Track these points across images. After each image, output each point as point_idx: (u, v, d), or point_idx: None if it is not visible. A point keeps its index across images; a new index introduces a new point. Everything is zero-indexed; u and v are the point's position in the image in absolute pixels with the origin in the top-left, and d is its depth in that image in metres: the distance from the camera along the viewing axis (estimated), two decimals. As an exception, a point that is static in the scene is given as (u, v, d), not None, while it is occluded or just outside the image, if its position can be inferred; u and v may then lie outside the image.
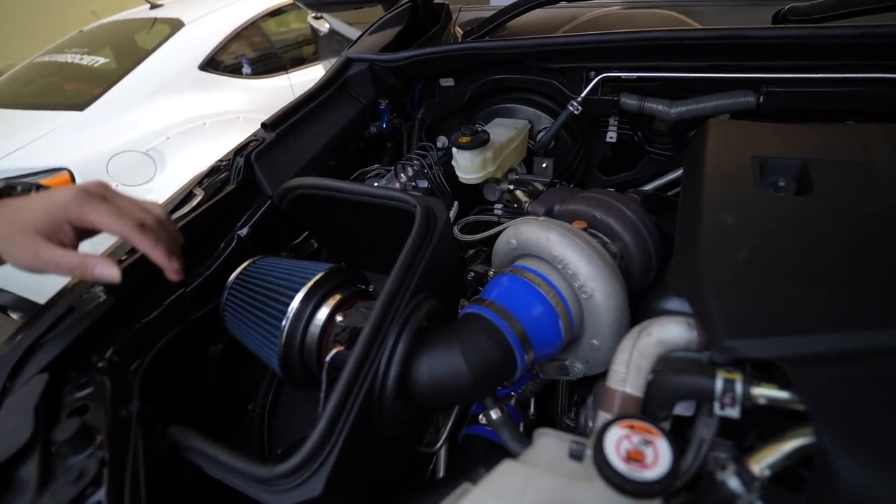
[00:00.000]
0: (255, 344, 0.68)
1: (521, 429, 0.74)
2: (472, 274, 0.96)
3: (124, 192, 0.60)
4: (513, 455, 0.60)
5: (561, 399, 0.85)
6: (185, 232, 0.77)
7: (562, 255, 0.62)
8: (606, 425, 0.37)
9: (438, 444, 0.77)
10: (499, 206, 1.04)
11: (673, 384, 0.43)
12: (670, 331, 0.47)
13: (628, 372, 0.45)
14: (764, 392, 0.40)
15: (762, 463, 0.39)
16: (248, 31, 3.25)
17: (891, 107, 0.76)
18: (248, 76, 3.16)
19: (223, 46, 2.99)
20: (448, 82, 1.14)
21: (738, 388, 0.40)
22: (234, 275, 0.73)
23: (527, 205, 0.82)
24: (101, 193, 0.56)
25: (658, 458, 0.35)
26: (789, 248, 0.48)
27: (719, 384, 0.41)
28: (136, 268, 0.70)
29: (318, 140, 0.98)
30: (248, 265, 0.74)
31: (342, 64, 1.06)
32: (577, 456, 0.38)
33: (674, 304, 0.72)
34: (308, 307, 0.63)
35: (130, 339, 0.64)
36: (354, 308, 0.63)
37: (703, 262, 0.48)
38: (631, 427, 0.37)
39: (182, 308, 0.73)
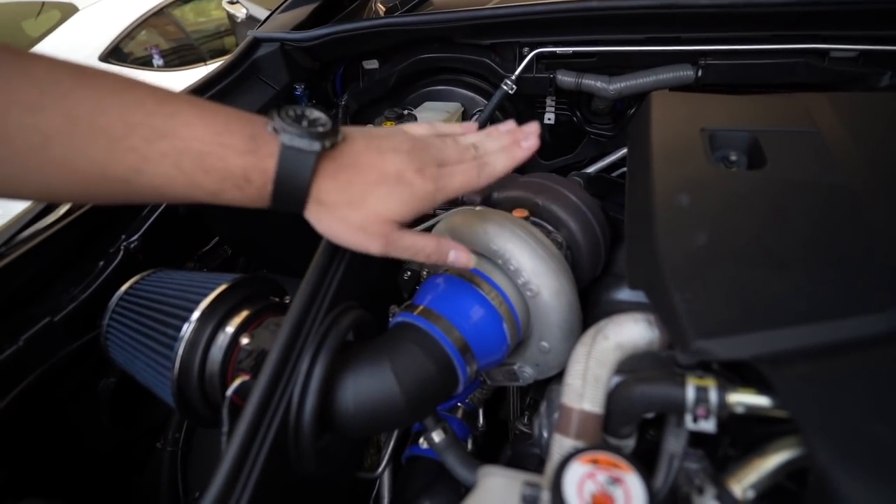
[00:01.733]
0: (145, 377, 0.56)
1: (471, 444, 0.66)
2: (409, 273, 0.87)
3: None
4: (459, 480, 0.52)
5: (512, 403, 0.78)
6: (53, 245, 0.64)
7: (502, 249, 0.54)
8: (564, 462, 0.30)
9: (380, 469, 0.68)
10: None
11: (637, 397, 0.37)
12: (629, 331, 0.41)
13: (585, 385, 0.38)
14: (741, 399, 0.34)
15: (744, 482, 0.33)
16: (158, 19, 2.96)
17: (823, 78, 0.75)
18: (160, 68, 2.88)
19: (128, 35, 2.70)
20: (372, 64, 1.04)
21: (713, 396, 0.34)
22: (117, 294, 0.60)
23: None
24: (438, 172, 0.43)
25: (630, 502, 0.28)
26: (752, 229, 0.43)
27: (691, 394, 0.35)
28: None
29: (223, 131, 0.85)
30: (136, 281, 0.61)
31: (248, 45, 0.93)
32: (530, 502, 0.31)
33: (626, 293, 0.67)
34: (206, 329, 0.52)
35: (-30, 388, 0.50)
36: (263, 326, 0.53)
37: (661, 249, 0.42)
38: (594, 462, 0.30)
39: (51, 340, 0.59)
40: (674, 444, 0.39)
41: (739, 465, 0.34)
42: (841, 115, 0.53)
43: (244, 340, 0.51)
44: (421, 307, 0.54)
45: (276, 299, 0.59)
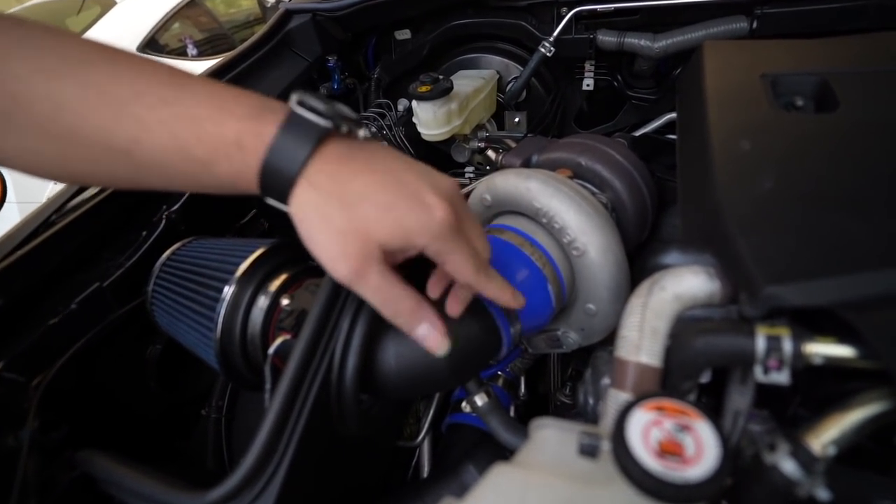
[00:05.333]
0: (189, 340, 0.57)
1: (512, 413, 0.65)
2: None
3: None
4: (504, 445, 0.51)
5: (553, 374, 0.76)
6: (99, 214, 0.65)
7: (546, 207, 0.52)
8: (627, 408, 0.28)
9: (420, 437, 0.68)
10: (469, 168, 0.93)
11: (701, 348, 0.34)
12: (687, 283, 0.38)
13: (642, 337, 0.36)
14: (820, 349, 0.31)
15: (824, 438, 0.30)
16: (191, 10, 3.02)
17: (899, 21, 0.68)
18: (194, 58, 2.94)
19: (163, 26, 2.76)
20: (404, 35, 1.02)
21: (787, 346, 0.31)
22: (160, 260, 0.61)
23: (500, 158, 0.71)
24: (459, 224, 0.37)
25: (702, 450, 0.26)
26: (825, 171, 0.39)
27: (761, 343, 0.32)
28: (35, 259, 0.57)
29: (258, 103, 0.85)
30: (178, 248, 0.62)
31: (280, 17, 0.93)
32: (589, 452, 0.29)
33: (675, 258, 0.63)
34: (247, 291, 0.52)
35: (29, 348, 0.52)
36: (303, 288, 0.52)
37: (722, 196, 0.39)
38: (660, 409, 0.28)
39: (101, 305, 0.61)
40: (738, 400, 0.36)
41: (817, 420, 0.31)
42: (924, 53, 0.48)
43: (284, 301, 0.51)
44: (461, 268, 0.53)
45: (315, 264, 0.59)
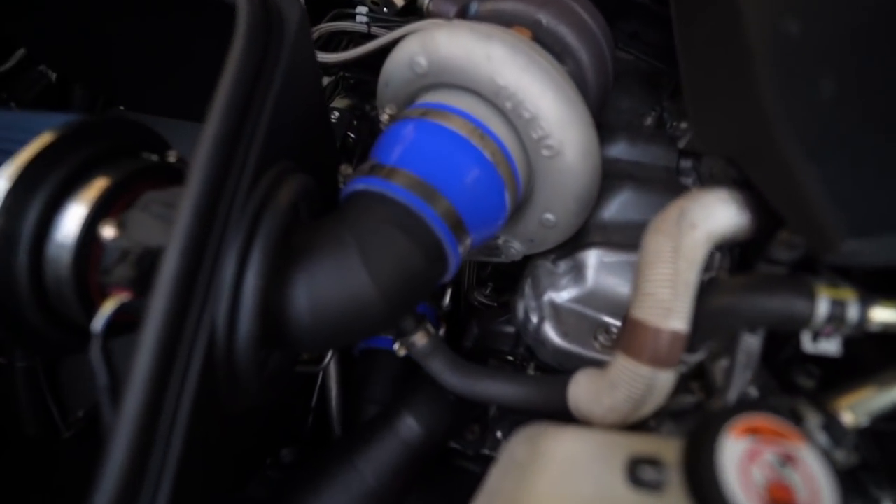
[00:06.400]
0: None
1: (442, 330, 0.56)
2: (336, 114, 0.66)
3: None
4: (446, 388, 0.42)
5: (469, 271, 0.68)
6: None
7: (513, 87, 0.37)
8: (713, 435, 0.20)
9: (325, 362, 0.56)
10: (362, 8, 0.69)
11: (746, 310, 0.27)
12: (718, 217, 0.30)
13: (675, 297, 0.27)
14: (885, 316, 0.26)
15: (859, 408, 0.27)
16: None
17: None
18: None
19: None
20: None
21: (852, 311, 0.25)
22: None
23: (427, 2, 0.51)
24: None
25: (816, 493, 0.19)
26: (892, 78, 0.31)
27: (823, 308, 0.26)
28: None
29: None
30: None
31: None
32: (649, 483, 0.21)
33: (621, 150, 0.55)
34: (30, 208, 0.31)
35: None
36: (140, 207, 0.32)
37: (774, 103, 0.29)
38: (753, 431, 0.20)
39: None
40: (744, 356, 0.31)
41: (848, 390, 0.28)
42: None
43: (107, 232, 0.30)
44: (388, 168, 0.37)
45: (154, 157, 0.37)
